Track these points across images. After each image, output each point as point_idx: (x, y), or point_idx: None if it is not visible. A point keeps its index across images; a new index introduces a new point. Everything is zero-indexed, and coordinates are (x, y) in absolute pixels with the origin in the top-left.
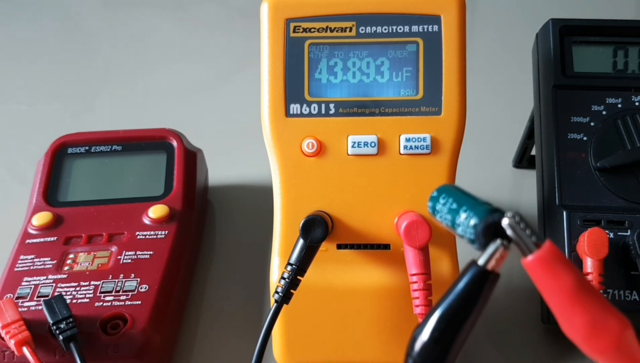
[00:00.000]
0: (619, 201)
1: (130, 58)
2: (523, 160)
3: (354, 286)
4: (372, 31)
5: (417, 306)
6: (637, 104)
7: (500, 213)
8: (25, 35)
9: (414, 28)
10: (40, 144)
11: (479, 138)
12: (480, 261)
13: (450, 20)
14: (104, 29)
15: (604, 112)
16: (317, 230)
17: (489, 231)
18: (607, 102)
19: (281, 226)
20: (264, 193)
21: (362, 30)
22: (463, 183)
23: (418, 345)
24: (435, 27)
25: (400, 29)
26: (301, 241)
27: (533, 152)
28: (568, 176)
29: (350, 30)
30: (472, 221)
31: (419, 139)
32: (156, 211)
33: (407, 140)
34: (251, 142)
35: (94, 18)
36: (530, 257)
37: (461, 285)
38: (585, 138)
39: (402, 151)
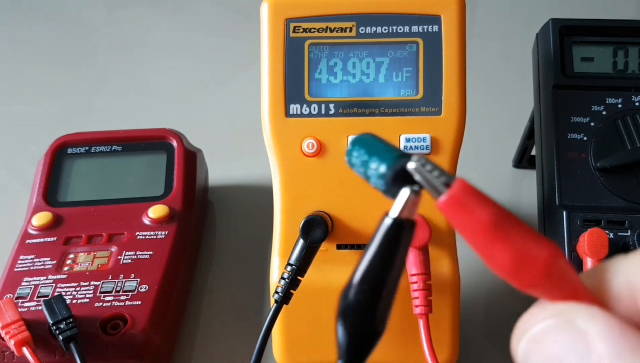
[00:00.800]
0: (619, 201)
1: (130, 58)
2: (523, 160)
3: None
4: (372, 31)
5: (417, 306)
6: (637, 104)
7: (406, 157)
8: (25, 35)
9: (414, 28)
10: (40, 144)
11: (479, 138)
12: (392, 213)
13: (450, 20)
14: (104, 29)
15: (604, 113)
16: (317, 230)
17: (398, 178)
18: (607, 102)
19: (281, 226)
20: (264, 193)
21: (362, 30)
22: None
23: (345, 308)
24: (435, 27)
25: (400, 29)
26: (301, 241)
27: (533, 152)
28: (568, 176)
29: (350, 31)
30: (381, 170)
31: (419, 139)
32: (156, 211)
33: (407, 140)
34: (251, 142)
35: (94, 18)
36: (440, 199)
37: (377, 240)
38: (585, 138)
39: None
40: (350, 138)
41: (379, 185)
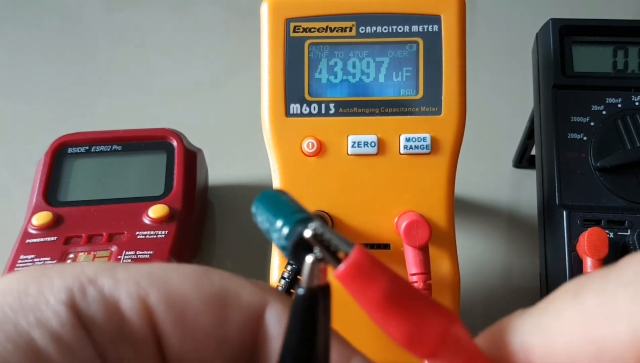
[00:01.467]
0: (619, 201)
1: (130, 58)
2: (523, 160)
3: None
4: (372, 31)
5: None
6: (637, 104)
7: (304, 224)
8: (25, 35)
9: (414, 28)
10: (40, 144)
11: (479, 138)
12: (301, 289)
13: (450, 20)
14: (104, 29)
15: (604, 112)
16: None
17: (301, 247)
18: (607, 102)
19: None
20: None
21: (362, 30)
22: (463, 183)
23: None
24: (435, 27)
25: (400, 29)
26: None
27: (533, 152)
28: (568, 176)
29: (350, 30)
30: (282, 241)
31: (419, 139)
32: (156, 211)
33: (407, 140)
34: (251, 142)
35: (94, 18)
36: (336, 271)
37: (293, 318)
38: (585, 138)
39: (402, 151)
40: (254, 202)
41: (282, 249)
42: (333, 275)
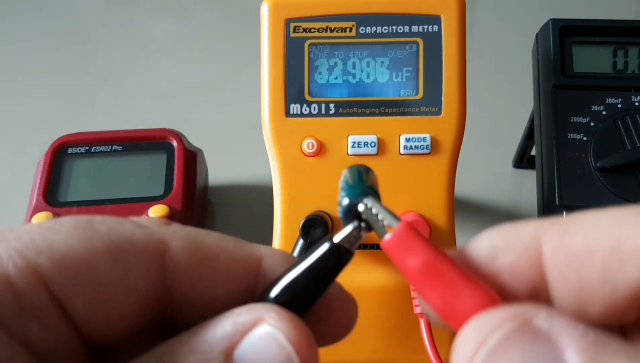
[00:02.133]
0: (619, 201)
1: (130, 58)
2: (523, 160)
3: (354, 286)
4: (372, 31)
5: (417, 306)
6: (637, 104)
7: (360, 197)
8: (25, 35)
9: (414, 28)
10: (40, 144)
11: (479, 138)
12: (336, 238)
13: (450, 20)
14: (104, 29)
15: (604, 113)
16: (317, 230)
17: (351, 213)
18: (607, 102)
19: (281, 226)
20: (264, 193)
21: (362, 30)
22: (463, 183)
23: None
24: (435, 27)
25: (400, 29)
26: (301, 241)
27: (533, 152)
28: (568, 176)
29: (350, 31)
30: (343, 202)
31: (419, 139)
32: (156, 211)
33: (407, 140)
34: (251, 142)
35: (94, 18)
36: (382, 241)
37: (311, 255)
38: (585, 138)
39: (402, 151)
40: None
41: (339, 212)
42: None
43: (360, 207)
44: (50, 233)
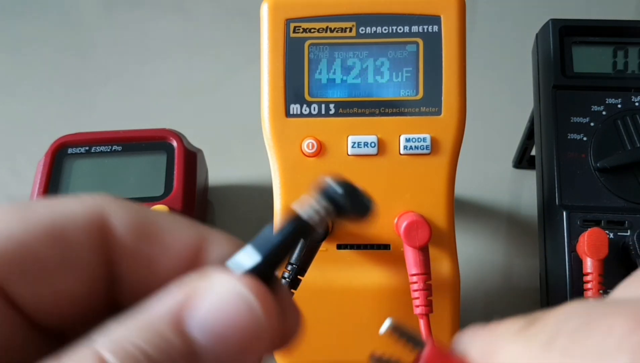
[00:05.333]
0: (619, 201)
1: (130, 58)
2: (523, 160)
3: (354, 286)
4: (372, 31)
5: (417, 306)
6: (637, 104)
7: (390, 324)
8: (25, 35)
9: (414, 28)
10: (40, 144)
11: (479, 138)
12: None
13: (450, 20)
14: (104, 29)
15: (604, 113)
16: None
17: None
18: (607, 102)
19: None
20: (264, 193)
21: (362, 30)
22: (463, 183)
23: None
24: (435, 28)
25: (400, 29)
26: (301, 241)
27: (533, 152)
28: (568, 176)
29: (350, 31)
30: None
31: (419, 140)
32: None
33: (407, 140)
34: (251, 142)
35: (94, 18)
36: None
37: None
38: (585, 138)
39: (402, 151)
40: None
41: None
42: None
43: (386, 328)
44: None
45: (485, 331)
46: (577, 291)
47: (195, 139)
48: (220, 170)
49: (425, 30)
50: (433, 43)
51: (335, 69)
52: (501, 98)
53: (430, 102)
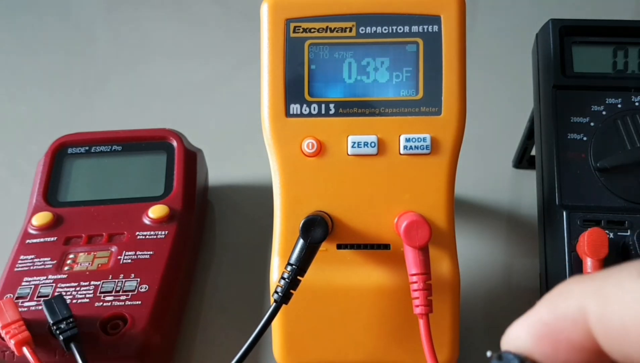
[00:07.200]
0: (619, 201)
1: (130, 58)
2: (523, 160)
3: (354, 286)
4: (372, 31)
5: (417, 306)
6: (637, 104)
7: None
8: (25, 35)
9: (414, 28)
10: (40, 144)
11: (479, 138)
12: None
13: (450, 20)
14: (104, 29)
15: (604, 113)
16: (317, 230)
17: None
18: (607, 102)
19: (281, 226)
20: (264, 193)
21: (362, 30)
22: (463, 183)
23: None
24: (435, 27)
25: (400, 29)
26: (301, 241)
27: (533, 152)
28: (568, 176)
29: (350, 31)
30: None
31: (419, 140)
32: (156, 211)
33: (407, 140)
34: (251, 142)
35: (94, 18)
36: None
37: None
38: (585, 138)
39: (402, 151)
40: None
41: None
42: None
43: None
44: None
45: (593, 279)
46: None
47: (195, 139)
48: (220, 170)
49: (425, 30)
50: (433, 43)
51: (335, 69)
52: (501, 98)
53: (430, 102)
